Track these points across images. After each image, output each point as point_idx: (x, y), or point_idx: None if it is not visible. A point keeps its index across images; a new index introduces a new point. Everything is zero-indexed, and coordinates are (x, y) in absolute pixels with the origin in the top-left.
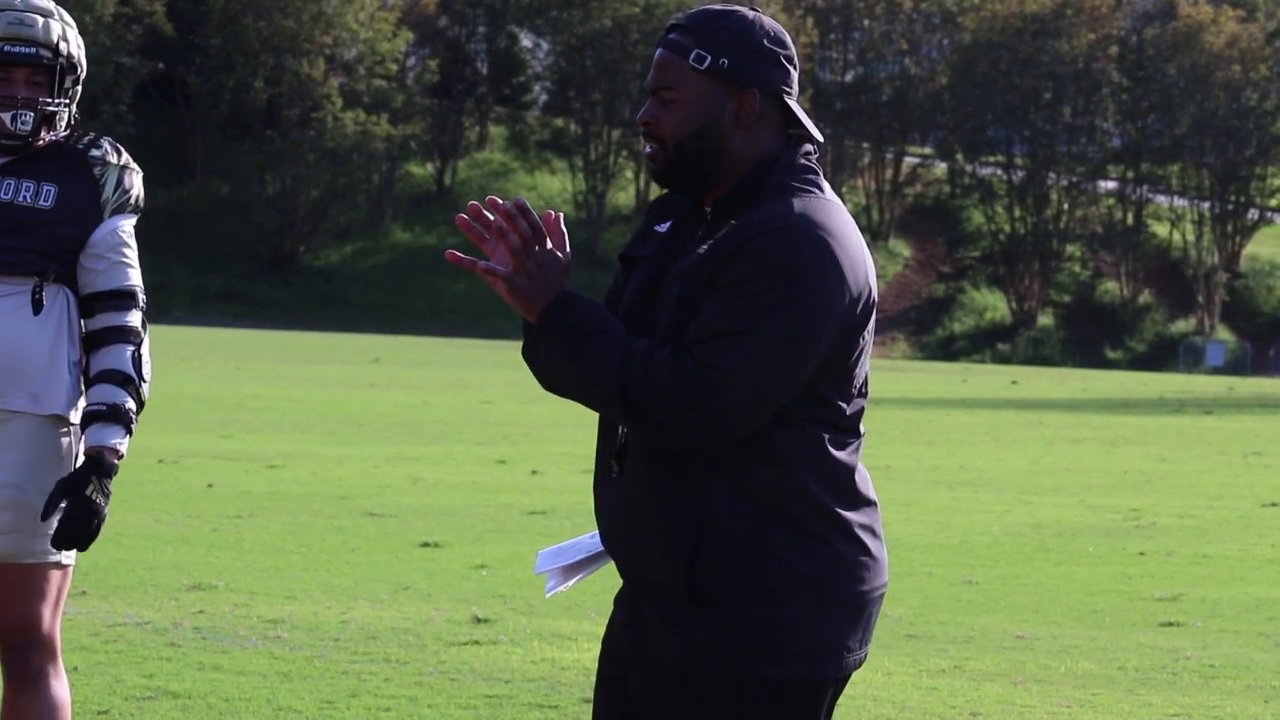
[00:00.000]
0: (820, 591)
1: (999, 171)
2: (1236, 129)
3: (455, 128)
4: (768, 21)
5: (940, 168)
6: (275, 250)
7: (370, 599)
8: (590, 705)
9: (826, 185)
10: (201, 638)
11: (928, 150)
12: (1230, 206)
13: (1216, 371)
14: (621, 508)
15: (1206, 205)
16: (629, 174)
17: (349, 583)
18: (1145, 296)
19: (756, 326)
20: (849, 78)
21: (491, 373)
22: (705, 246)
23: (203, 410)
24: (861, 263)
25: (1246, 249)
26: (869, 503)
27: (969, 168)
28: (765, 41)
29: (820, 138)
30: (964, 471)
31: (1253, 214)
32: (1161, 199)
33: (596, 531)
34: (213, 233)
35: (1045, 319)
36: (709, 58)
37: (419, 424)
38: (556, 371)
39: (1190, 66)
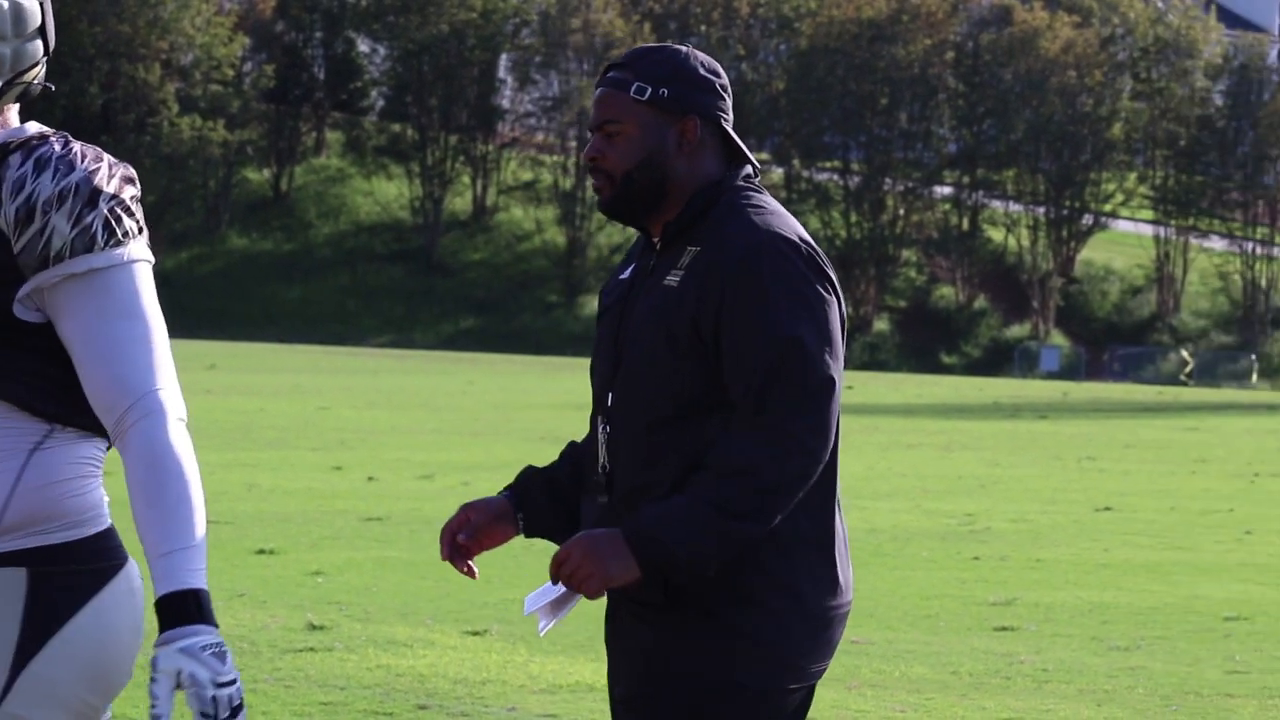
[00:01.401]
0: (793, 601)
1: (835, 177)
2: (1071, 134)
3: (292, 133)
4: (701, 55)
5: (777, 173)
6: None
7: None
8: (425, 711)
9: (771, 199)
10: None
11: (764, 155)
12: (1065, 212)
13: (1051, 376)
14: (604, 525)
15: (1041, 210)
16: (465, 180)
17: None
18: (980, 302)
19: (793, 346)
20: None
21: (328, 378)
22: (674, 277)
23: None
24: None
25: (1081, 254)
26: (837, 519)
27: (805, 173)
28: (701, 71)
29: (756, 164)
30: None
31: (1087, 219)
32: (997, 204)
33: None
34: None
35: (881, 324)
36: (649, 89)
37: (255, 430)
38: (725, 541)
39: (1026, 72)
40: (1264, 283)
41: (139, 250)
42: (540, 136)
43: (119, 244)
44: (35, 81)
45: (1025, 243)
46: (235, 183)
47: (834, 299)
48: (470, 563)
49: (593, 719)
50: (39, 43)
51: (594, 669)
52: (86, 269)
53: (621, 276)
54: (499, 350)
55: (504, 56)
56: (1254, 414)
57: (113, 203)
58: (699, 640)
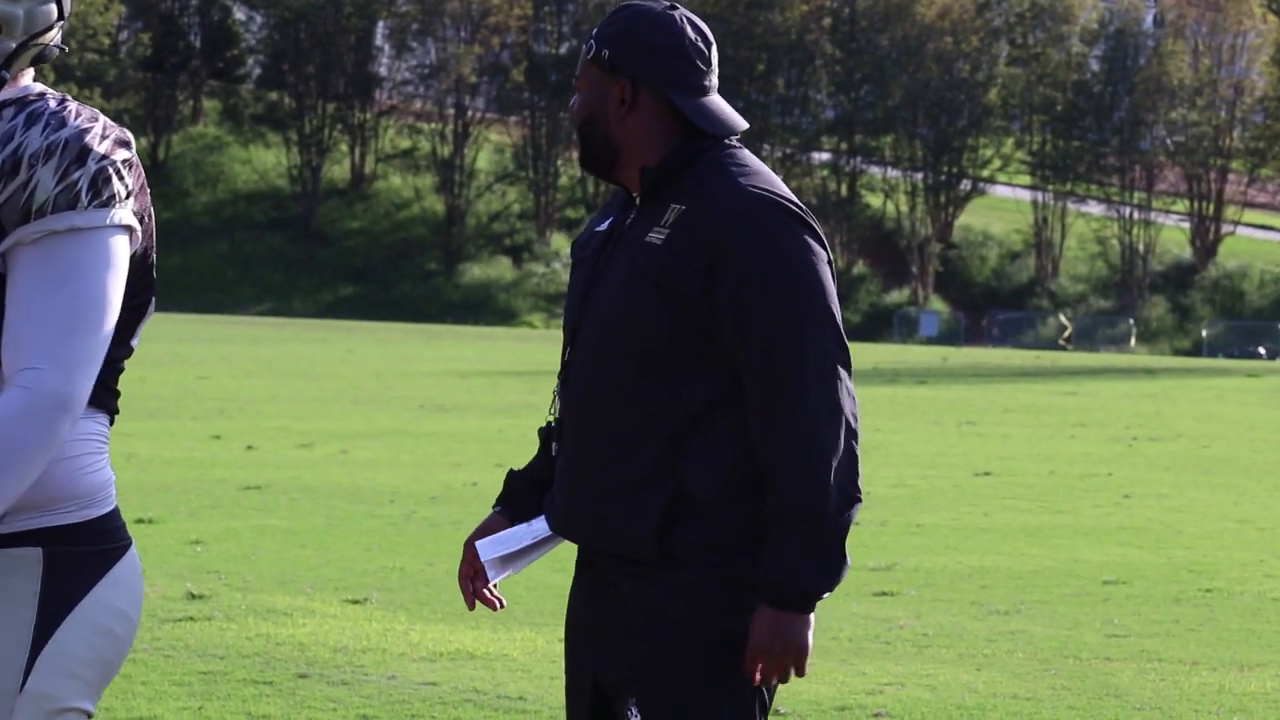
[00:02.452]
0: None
1: None
2: (949, 100)
3: (169, 102)
4: (669, 20)
5: None
6: None
7: None
8: (305, 680)
9: (754, 158)
10: None
11: None
12: (943, 178)
13: (931, 342)
14: (578, 487)
15: (920, 176)
16: (343, 148)
17: None
18: (860, 267)
19: (800, 318)
20: (563, 50)
21: (207, 347)
22: (657, 234)
23: None
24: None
25: (959, 220)
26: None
27: None
28: (646, 35)
29: (719, 131)
30: None
31: (965, 185)
32: (875, 170)
33: (535, 520)
34: None
35: None
36: (595, 47)
37: (134, 399)
38: (840, 540)
39: (902, 38)
40: (1141, 247)
41: (123, 215)
42: (418, 104)
43: (104, 205)
44: (51, 44)
45: (904, 208)
46: None
47: (824, 253)
48: (496, 596)
49: (473, 686)
50: (53, 5)
51: (474, 637)
52: (68, 226)
53: (598, 228)
54: (378, 318)
55: (381, 24)
56: (1132, 378)
57: (103, 162)
58: (690, 588)
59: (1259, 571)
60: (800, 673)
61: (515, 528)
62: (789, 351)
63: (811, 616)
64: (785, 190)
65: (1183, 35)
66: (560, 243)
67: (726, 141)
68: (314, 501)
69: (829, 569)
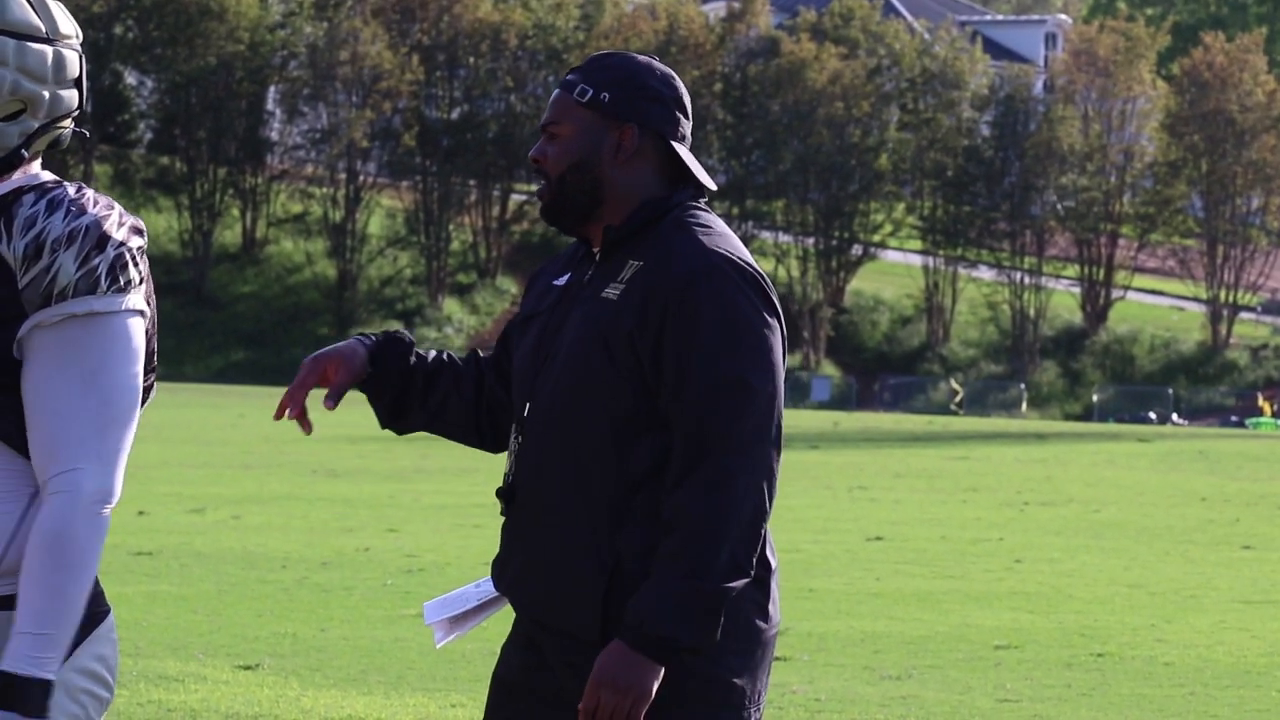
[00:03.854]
0: (726, 637)
1: None
2: (840, 165)
3: (59, 167)
4: (660, 67)
5: None
6: None
7: None
8: None
9: (719, 220)
10: None
11: (534, 187)
12: (834, 242)
13: (822, 406)
14: (527, 554)
15: (811, 241)
16: (235, 212)
17: None
18: None
19: (738, 385)
20: (455, 115)
21: None
22: (613, 290)
23: None
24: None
25: (851, 284)
26: (769, 551)
27: None
28: (650, 81)
29: (713, 186)
30: None
31: (856, 250)
32: (766, 235)
33: (482, 580)
34: None
35: None
36: (591, 91)
37: None
38: (719, 602)
39: (794, 103)
40: (1032, 312)
41: (136, 300)
42: (310, 169)
43: (121, 291)
44: (68, 129)
45: (795, 273)
46: None
47: (778, 326)
48: (308, 420)
49: None
50: (75, 92)
51: (365, 702)
52: (87, 310)
53: (556, 282)
54: (270, 383)
55: (272, 89)
56: (1023, 443)
57: (120, 249)
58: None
59: (1150, 636)
60: (634, 719)
61: (463, 589)
62: (728, 410)
63: (659, 667)
64: (746, 254)
65: (1073, 101)
66: (453, 307)
67: (691, 202)
68: (205, 567)
69: (698, 626)
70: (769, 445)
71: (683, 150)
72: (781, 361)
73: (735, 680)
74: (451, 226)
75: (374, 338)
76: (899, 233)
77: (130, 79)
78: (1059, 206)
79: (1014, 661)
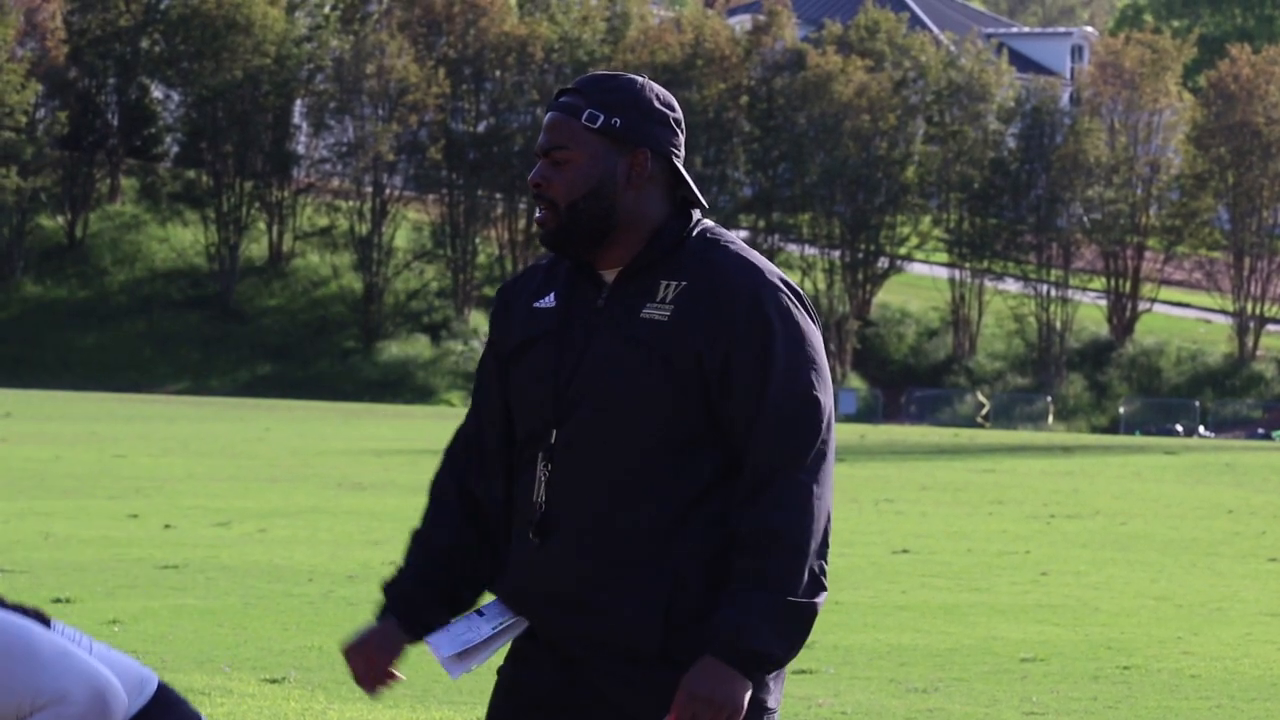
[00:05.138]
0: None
1: None
2: (866, 178)
3: (86, 180)
4: (657, 87)
5: None
6: None
7: None
8: None
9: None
10: None
11: None
12: (861, 255)
13: (849, 419)
14: (574, 577)
15: (837, 254)
16: (261, 226)
17: None
18: None
19: (811, 404)
20: (481, 128)
21: (124, 425)
22: (659, 310)
23: None
24: None
25: (877, 297)
26: None
27: None
28: (655, 103)
29: (704, 203)
30: None
31: (883, 262)
32: (793, 248)
33: (487, 607)
34: None
35: None
36: (602, 117)
37: (50, 478)
38: (807, 618)
39: (820, 115)
40: (1059, 325)
41: None
42: (336, 182)
43: None
44: None
45: (821, 285)
46: (29, 230)
47: (816, 326)
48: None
49: None
50: None
51: (391, 715)
52: None
53: (541, 304)
54: (296, 396)
55: (299, 102)
56: (1049, 455)
57: None
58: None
59: (1176, 649)
60: None
61: (467, 619)
62: (803, 426)
63: (748, 682)
64: (776, 268)
65: (1099, 113)
66: (479, 320)
67: (710, 220)
68: (231, 580)
69: (791, 640)
70: (831, 460)
71: (682, 167)
72: (824, 351)
73: (765, 697)
74: (478, 239)
75: (390, 606)
76: (925, 245)
77: (157, 93)
78: (1085, 219)
79: (1040, 674)
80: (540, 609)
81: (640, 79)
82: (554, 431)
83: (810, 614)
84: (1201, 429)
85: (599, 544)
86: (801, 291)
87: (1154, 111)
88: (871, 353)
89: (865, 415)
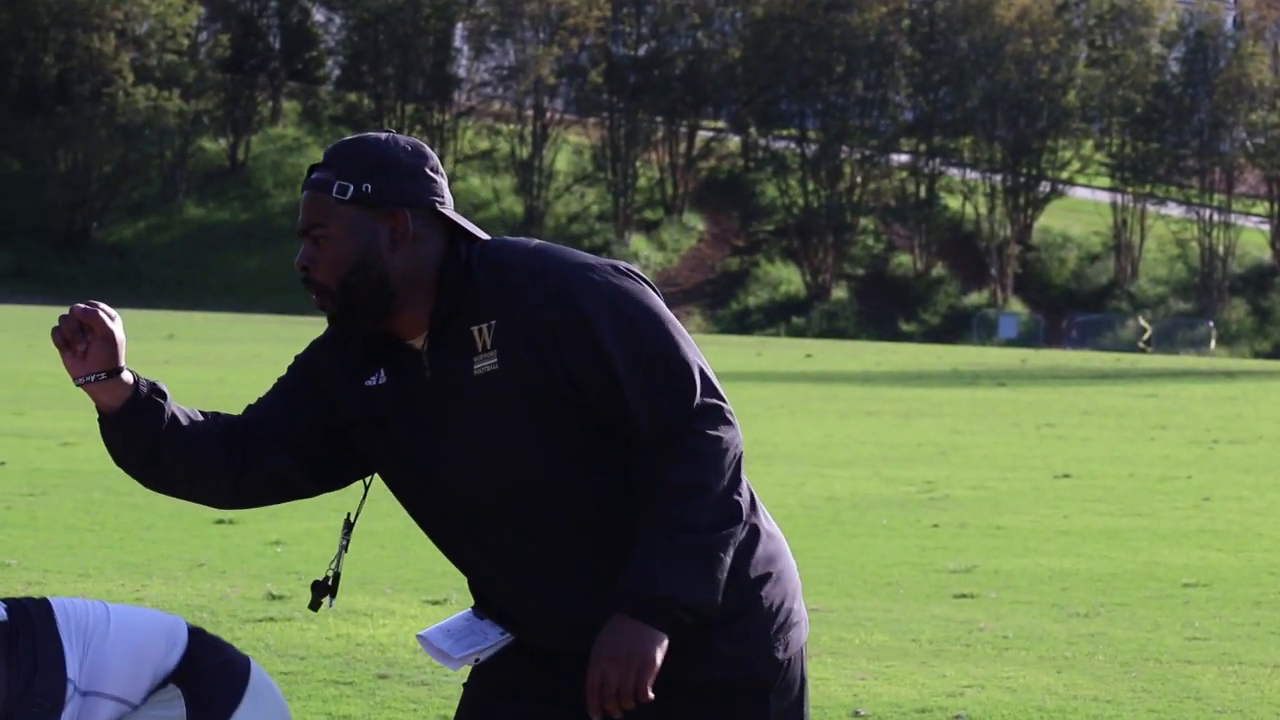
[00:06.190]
0: (787, 582)
1: (792, 145)
2: (1027, 102)
3: (248, 103)
4: (403, 139)
5: (734, 141)
6: (68, 227)
7: (165, 576)
8: (386, 680)
9: (510, 238)
10: None
11: (721, 124)
12: (1022, 179)
13: (1010, 344)
14: (563, 609)
15: (998, 178)
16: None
17: (143, 560)
18: (939, 269)
19: (655, 343)
20: (642, 51)
21: (286, 348)
22: (488, 361)
23: None
24: None
25: (1038, 222)
26: (764, 519)
27: (762, 141)
28: (403, 158)
29: (485, 236)
30: (759, 445)
31: (1044, 187)
32: (954, 172)
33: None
34: (4, 210)
35: (839, 292)
36: (351, 187)
37: (213, 400)
38: (722, 554)
39: (981, 39)
40: (1221, 250)
41: None
42: (497, 105)
43: None
44: None
45: (983, 210)
46: (191, 153)
47: (641, 279)
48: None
49: None
50: None
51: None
52: None
53: (371, 383)
54: None
55: (459, 25)
56: (1212, 381)
57: None
58: (730, 647)
59: None
60: (645, 694)
61: (484, 626)
62: (674, 391)
63: (665, 635)
64: (546, 244)
65: (1263, 37)
66: (640, 243)
67: (478, 244)
68: (393, 502)
69: (693, 579)
70: (716, 399)
71: (451, 212)
72: (664, 304)
73: (798, 617)
74: (638, 163)
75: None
76: (1087, 170)
77: (318, 15)
78: (1249, 143)
79: (1203, 599)
80: (544, 639)
81: (385, 135)
82: (461, 507)
83: (715, 548)
84: None
85: (568, 580)
86: (607, 260)
87: None
88: (1033, 277)
89: (1026, 340)
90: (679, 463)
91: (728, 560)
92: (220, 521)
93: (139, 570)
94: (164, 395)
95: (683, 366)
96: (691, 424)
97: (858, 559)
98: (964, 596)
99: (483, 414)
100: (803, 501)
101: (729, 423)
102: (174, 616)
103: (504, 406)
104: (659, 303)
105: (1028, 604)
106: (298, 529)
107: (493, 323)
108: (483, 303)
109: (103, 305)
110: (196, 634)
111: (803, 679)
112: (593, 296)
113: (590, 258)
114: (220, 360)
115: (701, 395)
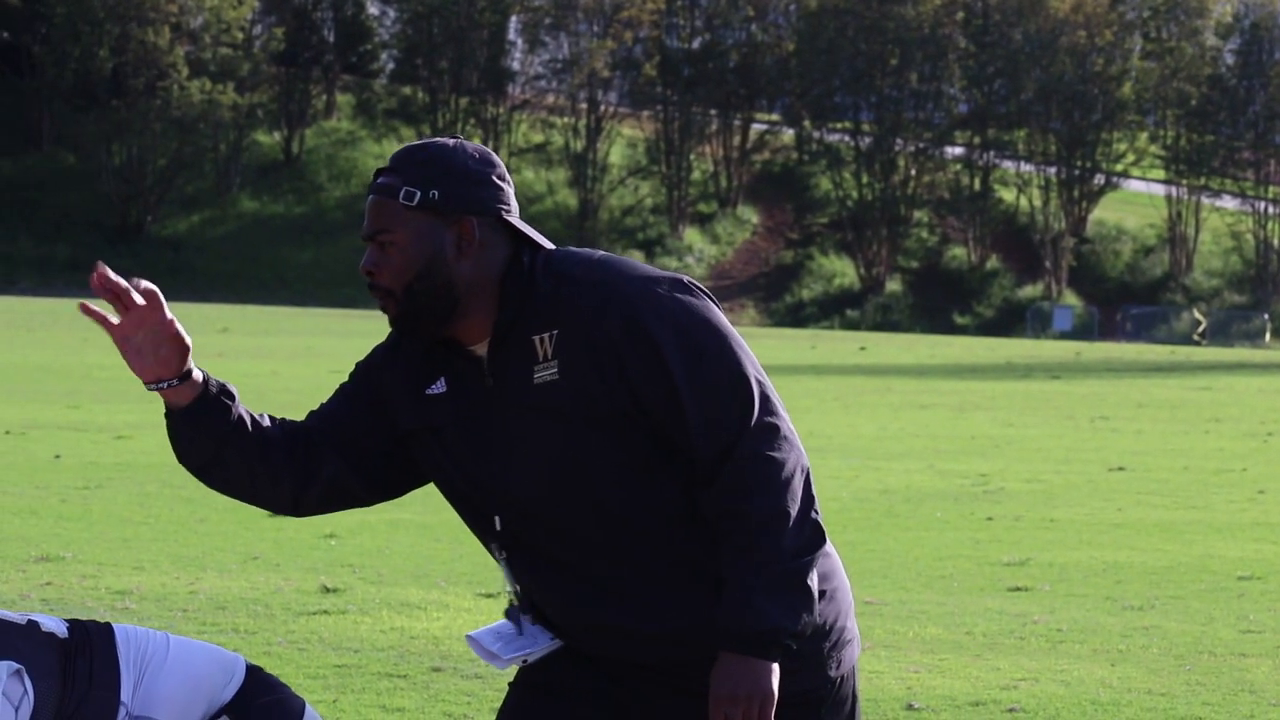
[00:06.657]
0: (841, 600)
1: (846, 138)
2: (1082, 94)
3: (302, 96)
4: (470, 145)
5: (788, 134)
6: (122, 220)
7: (219, 569)
8: (440, 673)
9: (575, 250)
10: (49, 609)
11: (775, 117)
12: (1076, 172)
13: (1064, 336)
14: (620, 620)
15: (1053, 170)
16: (476, 142)
17: (197, 553)
18: (993, 262)
19: (718, 361)
20: (696, 44)
21: (340, 341)
22: (548, 371)
23: (49, 381)
24: None
25: (1093, 214)
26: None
27: (816, 134)
28: (471, 165)
29: (550, 245)
30: (813, 438)
31: (1099, 179)
32: (1008, 164)
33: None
34: (59, 203)
35: (893, 285)
36: (419, 193)
37: (268, 393)
38: (808, 580)
39: (1036, 31)
40: (1276, 242)
41: None
42: (551, 98)
43: None
44: None
45: (1037, 203)
46: (245, 146)
47: (706, 295)
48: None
49: None
50: None
51: None
52: None
53: (433, 391)
54: None
55: (514, 18)
56: (1267, 373)
57: None
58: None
59: None
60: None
61: (534, 630)
62: (735, 412)
63: (774, 665)
64: (610, 255)
65: None
66: (693, 237)
67: (543, 253)
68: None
69: (793, 607)
70: (779, 417)
71: (517, 221)
72: (726, 319)
73: (829, 667)
74: (692, 156)
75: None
76: (1141, 162)
77: (372, 9)
78: None
79: (1257, 592)
80: (597, 647)
81: (453, 141)
82: (498, 517)
83: (804, 573)
84: None
85: (635, 589)
86: (670, 274)
87: None
88: (1087, 270)
89: (1081, 332)
90: (754, 493)
91: (817, 577)
92: (274, 515)
93: (193, 563)
94: (232, 396)
95: (744, 385)
96: (751, 444)
97: (912, 552)
98: (1018, 589)
99: (541, 423)
100: (857, 494)
101: (789, 440)
102: (234, 654)
103: (562, 416)
104: (722, 318)
105: (1082, 597)
106: (351, 521)
107: (555, 332)
108: (545, 312)
109: (145, 283)
110: (254, 671)
111: (854, 697)
112: (656, 312)
113: (654, 270)
114: (274, 353)
115: (760, 414)
